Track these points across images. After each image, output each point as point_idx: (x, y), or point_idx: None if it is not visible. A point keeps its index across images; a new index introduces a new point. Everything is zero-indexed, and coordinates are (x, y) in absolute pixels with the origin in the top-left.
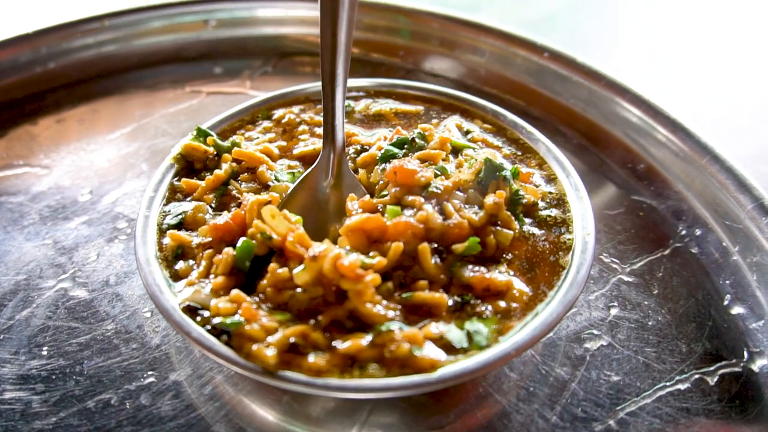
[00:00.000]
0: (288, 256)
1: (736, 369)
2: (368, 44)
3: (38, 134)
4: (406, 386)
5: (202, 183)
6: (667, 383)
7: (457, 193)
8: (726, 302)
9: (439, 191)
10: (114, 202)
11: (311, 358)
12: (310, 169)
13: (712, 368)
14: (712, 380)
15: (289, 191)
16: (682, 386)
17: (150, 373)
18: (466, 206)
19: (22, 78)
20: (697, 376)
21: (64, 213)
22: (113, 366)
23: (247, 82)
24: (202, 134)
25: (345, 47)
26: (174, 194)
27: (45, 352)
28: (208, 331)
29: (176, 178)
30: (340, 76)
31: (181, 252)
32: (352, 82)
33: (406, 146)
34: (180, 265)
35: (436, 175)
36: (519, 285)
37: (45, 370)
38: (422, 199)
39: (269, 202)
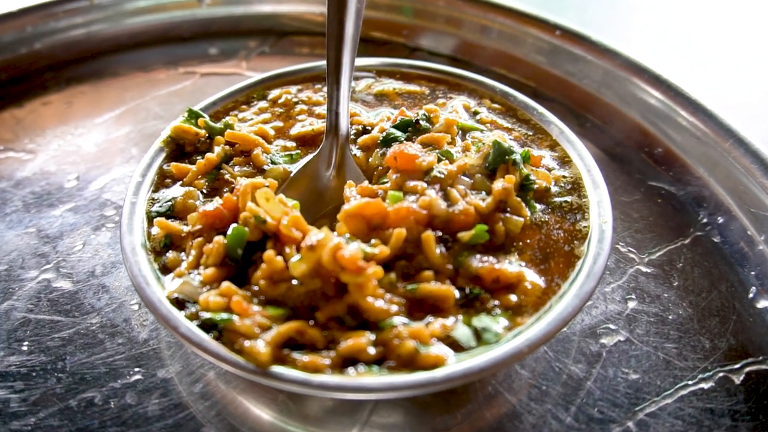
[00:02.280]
0: (283, 242)
1: (764, 366)
2: (370, 23)
3: (23, 117)
4: (410, 386)
5: (193, 167)
6: (690, 382)
7: (463, 178)
8: (751, 295)
9: (442, 176)
10: (102, 188)
11: (307, 356)
12: (310, 158)
13: (737, 366)
14: (737, 379)
15: (287, 180)
16: (705, 385)
17: (137, 369)
18: (473, 192)
19: (6, 59)
20: (721, 375)
21: (49, 200)
22: (97, 362)
23: (243, 63)
24: (193, 116)
25: (352, 36)
26: (163, 180)
27: (25, 348)
28: (198, 325)
29: (166, 163)
30: (346, 64)
31: (170, 242)
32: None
33: (409, 129)
34: (169, 255)
35: (439, 160)
36: (531, 276)
37: (25, 367)
38: (424, 185)
39: (267, 187)
